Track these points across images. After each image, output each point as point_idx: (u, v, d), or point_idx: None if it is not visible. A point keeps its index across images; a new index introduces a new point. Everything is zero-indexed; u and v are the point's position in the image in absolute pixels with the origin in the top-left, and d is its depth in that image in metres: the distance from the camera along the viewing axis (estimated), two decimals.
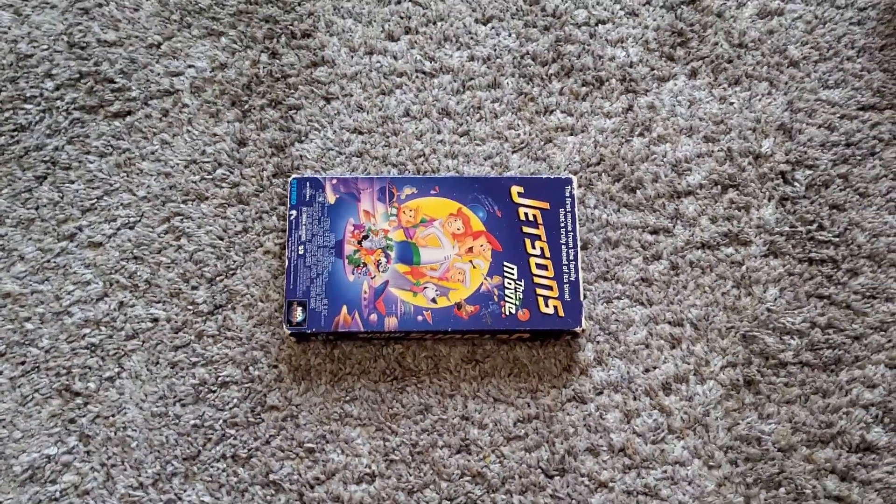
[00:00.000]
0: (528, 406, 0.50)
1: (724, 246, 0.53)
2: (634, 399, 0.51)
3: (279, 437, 0.50)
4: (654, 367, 0.51)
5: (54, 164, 0.55)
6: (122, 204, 0.54)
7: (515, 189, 0.52)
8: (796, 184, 0.54)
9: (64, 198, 0.54)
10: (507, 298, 0.49)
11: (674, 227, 0.54)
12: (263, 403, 0.51)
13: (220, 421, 0.50)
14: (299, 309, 0.48)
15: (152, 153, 0.55)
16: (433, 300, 0.49)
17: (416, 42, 0.58)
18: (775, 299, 0.52)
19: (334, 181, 0.51)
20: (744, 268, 0.53)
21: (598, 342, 0.52)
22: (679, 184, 0.55)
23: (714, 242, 0.53)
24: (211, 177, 0.55)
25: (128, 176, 0.55)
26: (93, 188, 0.55)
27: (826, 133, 0.55)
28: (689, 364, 0.51)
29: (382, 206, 0.51)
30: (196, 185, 0.54)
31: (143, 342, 0.51)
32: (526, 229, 0.51)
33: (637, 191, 0.54)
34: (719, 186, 0.54)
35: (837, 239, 0.53)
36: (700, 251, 0.53)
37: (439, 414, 0.50)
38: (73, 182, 0.55)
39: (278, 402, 0.51)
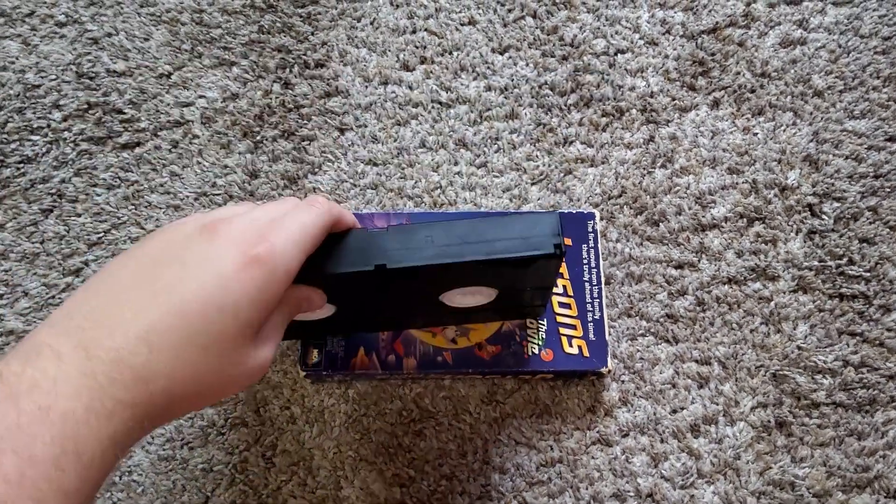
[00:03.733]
0: (551, 449, 0.48)
1: (751, 281, 0.52)
2: (662, 441, 0.49)
3: (291, 483, 0.48)
4: (682, 408, 0.49)
5: (61, 196, 0.54)
6: (129, 238, 0.53)
7: None
8: (824, 217, 0.53)
9: (70, 231, 0.53)
10: (529, 338, 0.47)
11: (699, 261, 0.52)
12: (275, 447, 0.49)
13: (230, 465, 0.48)
14: (315, 350, 0.46)
15: (161, 185, 0.54)
16: (453, 340, 0.47)
17: (431, 72, 0.56)
18: (805, 336, 0.50)
19: None
20: (772, 304, 0.51)
21: (622, 381, 0.50)
22: (703, 217, 0.53)
23: (741, 277, 0.52)
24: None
25: (136, 209, 0.53)
26: (100, 221, 0.53)
27: (853, 164, 0.54)
28: (717, 405, 0.49)
29: None
30: None
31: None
32: None
33: (660, 224, 0.53)
34: (745, 219, 0.53)
35: (868, 274, 0.51)
36: (727, 286, 0.52)
37: (458, 458, 0.48)
38: (79, 215, 0.53)
39: (290, 446, 0.49)
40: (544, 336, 0.47)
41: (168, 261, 0.31)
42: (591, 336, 0.48)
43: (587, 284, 0.49)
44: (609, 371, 0.48)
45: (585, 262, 0.49)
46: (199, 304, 0.30)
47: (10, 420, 0.26)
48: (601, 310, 0.48)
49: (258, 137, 0.55)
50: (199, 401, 0.32)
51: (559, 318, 0.48)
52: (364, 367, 0.47)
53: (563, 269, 0.49)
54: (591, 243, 0.50)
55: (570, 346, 0.47)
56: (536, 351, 0.47)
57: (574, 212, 0.50)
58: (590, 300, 0.48)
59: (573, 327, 0.48)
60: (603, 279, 0.50)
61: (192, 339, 0.30)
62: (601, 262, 0.50)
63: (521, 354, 0.47)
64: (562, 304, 0.48)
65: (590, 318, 0.48)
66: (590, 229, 0.50)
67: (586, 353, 0.47)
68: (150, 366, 0.29)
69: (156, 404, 0.29)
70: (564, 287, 0.49)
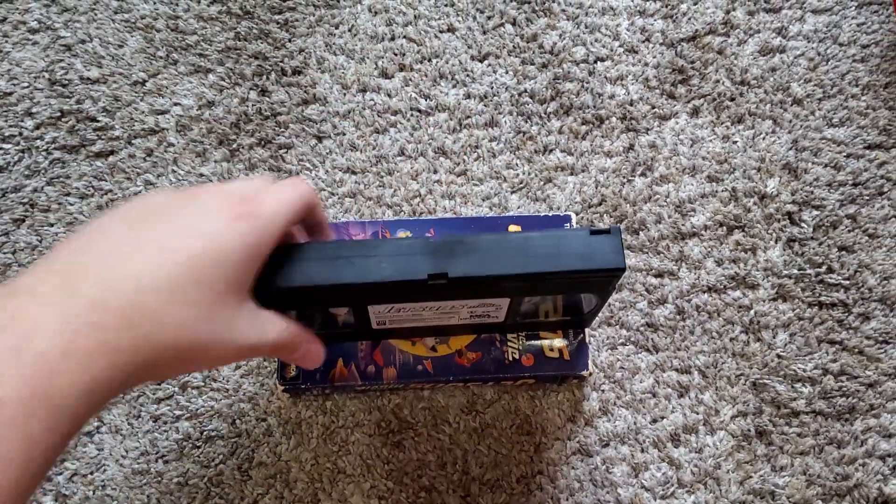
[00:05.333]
0: (532, 460, 0.48)
1: (731, 289, 0.52)
2: (642, 451, 0.48)
3: (268, 496, 0.47)
4: (662, 417, 0.49)
5: (33, 206, 0.53)
6: None
7: (513, 228, 0.50)
8: (803, 225, 0.53)
9: (43, 241, 0.52)
10: (509, 343, 0.47)
11: (679, 269, 0.52)
12: (251, 459, 0.48)
13: (206, 479, 0.47)
14: (293, 364, 0.46)
15: (136, 194, 0.53)
16: (433, 348, 0.47)
17: (410, 79, 0.56)
18: (785, 345, 0.50)
19: None
20: (752, 312, 0.51)
21: (602, 391, 0.50)
22: (683, 225, 0.53)
23: (721, 286, 0.52)
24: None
25: None
26: (73, 231, 0.52)
27: (833, 172, 0.54)
28: (697, 414, 0.49)
29: None
30: None
31: (124, 394, 0.49)
32: None
33: (640, 232, 0.53)
34: (725, 228, 0.53)
35: (848, 282, 0.51)
36: (706, 295, 0.51)
37: (437, 469, 0.48)
38: (52, 225, 0.52)
39: (267, 458, 0.48)
40: (524, 341, 0.47)
41: (155, 217, 0.31)
42: (571, 339, 0.47)
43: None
44: (590, 374, 0.47)
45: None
46: (189, 257, 0.29)
47: None
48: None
49: (234, 145, 0.54)
50: (187, 360, 0.30)
51: None
52: (343, 378, 0.46)
53: None
54: None
55: (551, 350, 0.47)
56: (517, 356, 0.47)
57: (550, 215, 0.50)
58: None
59: (553, 332, 0.47)
60: None
61: (184, 289, 0.29)
62: None
63: (502, 360, 0.47)
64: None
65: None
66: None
67: (567, 357, 0.47)
68: (136, 308, 0.28)
69: (140, 353, 0.28)
70: None
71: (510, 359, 0.47)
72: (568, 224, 0.50)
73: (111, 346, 0.27)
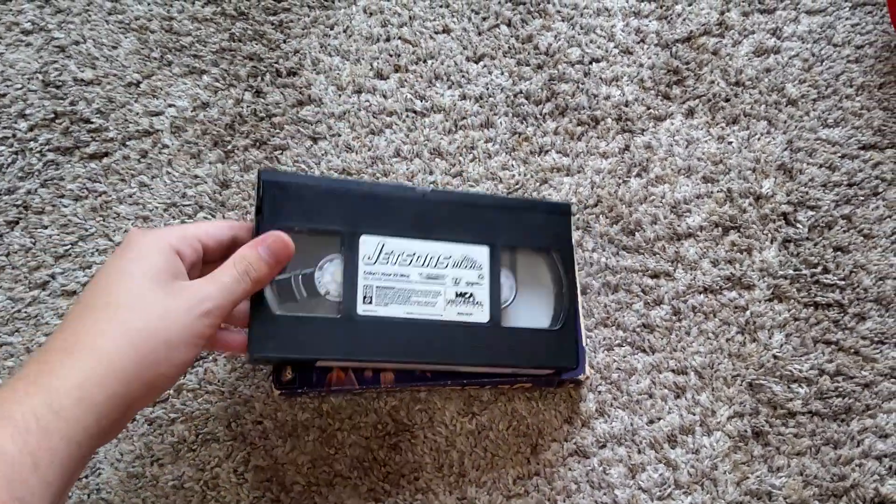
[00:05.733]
0: (528, 462, 0.48)
1: (726, 290, 0.52)
2: (639, 452, 0.48)
3: (264, 499, 0.47)
4: (659, 418, 0.49)
5: (27, 208, 0.52)
6: (97, 250, 0.52)
7: None
8: (799, 225, 0.53)
9: (36, 244, 0.52)
10: None
11: (675, 270, 0.52)
12: (247, 462, 0.48)
13: (201, 482, 0.47)
14: (289, 367, 0.45)
15: (130, 196, 0.53)
16: None
17: (406, 80, 0.56)
18: (781, 345, 0.50)
19: None
20: (748, 313, 0.51)
21: (599, 392, 0.50)
22: (679, 226, 0.53)
23: (717, 287, 0.52)
24: (192, 220, 0.52)
25: (104, 220, 0.52)
26: (67, 233, 0.52)
27: (827, 173, 0.54)
28: (694, 415, 0.49)
29: None
30: None
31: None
32: None
33: (636, 233, 0.53)
34: (720, 228, 0.53)
35: (843, 282, 0.51)
36: (702, 296, 0.51)
37: (434, 472, 0.48)
38: (46, 227, 0.52)
39: (263, 461, 0.48)
40: None
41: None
42: (579, 337, 0.47)
43: (573, 285, 0.48)
44: (587, 378, 0.47)
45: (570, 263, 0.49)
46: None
47: None
48: (577, 317, 0.48)
49: (229, 147, 0.54)
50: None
51: None
52: (340, 382, 0.46)
53: None
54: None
55: None
56: None
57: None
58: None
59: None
60: (579, 285, 0.49)
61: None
62: (576, 266, 0.49)
63: None
64: None
65: (576, 318, 0.47)
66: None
67: None
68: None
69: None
70: None
71: None
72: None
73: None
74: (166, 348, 0.35)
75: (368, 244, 0.43)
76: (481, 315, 0.44)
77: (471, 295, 0.45)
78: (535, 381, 0.47)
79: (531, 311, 0.47)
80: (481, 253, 0.45)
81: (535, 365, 0.45)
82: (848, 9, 0.58)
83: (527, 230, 0.47)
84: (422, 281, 0.44)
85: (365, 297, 0.42)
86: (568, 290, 0.46)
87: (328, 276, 0.43)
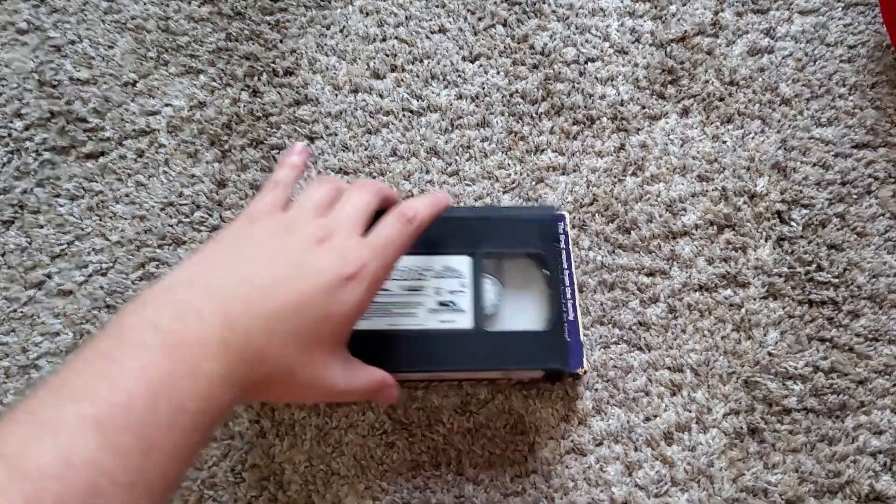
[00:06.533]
0: (525, 460, 0.48)
1: (722, 288, 0.52)
2: (635, 450, 0.49)
3: (262, 498, 0.47)
4: (655, 416, 0.49)
5: (22, 207, 0.52)
6: (94, 249, 0.52)
7: None
8: (793, 223, 0.53)
9: (32, 243, 0.52)
10: None
11: (670, 268, 0.52)
12: (245, 461, 0.48)
13: (199, 481, 0.47)
14: None
15: (126, 195, 0.53)
16: None
17: (402, 80, 0.56)
18: (776, 343, 0.51)
19: None
20: (743, 310, 0.51)
21: (596, 390, 0.50)
22: (674, 224, 0.53)
23: (712, 284, 0.52)
24: (189, 220, 0.52)
25: (100, 220, 0.52)
26: (63, 233, 0.52)
27: (821, 171, 0.54)
28: (690, 412, 0.49)
29: None
30: (173, 228, 0.52)
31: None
32: None
33: (632, 231, 0.53)
34: (715, 227, 0.53)
35: (837, 280, 0.52)
36: (698, 293, 0.52)
37: (431, 470, 0.48)
38: (42, 226, 0.52)
39: (260, 460, 0.48)
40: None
41: (283, 257, 0.36)
42: (567, 337, 0.47)
43: (560, 286, 0.48)
44: (585, 372, 0.47)
45: (558, 263, 0.49)
46: (310, 307, 0.35)
47: (165, 370, 0.29)
48: (575, 311, 0.48)
49: (226, 146, 0.54)
50: (283, 392, 0.36)
51: None
52: None
53: None
54: (563, 245, 0.50)
55: None
56: None
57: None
58: (563, 301, 0.48)
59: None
60: (576, 281, 0.50)
61: (300, 337, 0.34)
62: (573, 263, 0.49)
63: None
64: None
65: (564, 320, 0.48)
66: (561, 230, 0.50)
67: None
68: (267, 350, 0.33)
69: (257, 385, 0.34)
70: None
71: None
72: (562, 224, 0.50)
73: (246, 380, 0.33)
74: None
75: None
76: (465, 321, 0.45)
77: (453, 303, 0.46)
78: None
79: (521, 315, 0.48)
80: (462, 262, 0.47)
81: (522, 367, 0.46)
82: (841, 9, 0.58)
83: (511, 237, 0.48)
84: (402, 293, 0.46)
85: None
86: (556, 293, 0.47)
87: None
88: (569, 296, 0.48)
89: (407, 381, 0.47)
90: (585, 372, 0.48)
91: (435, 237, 0.46)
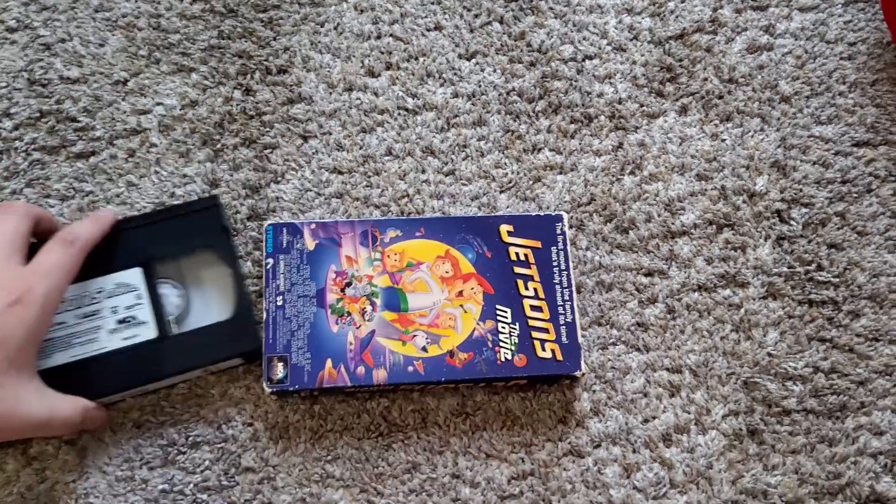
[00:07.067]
0: (523, 462, 0.47)
1: (721, 288, 0.51)
2: (634, 452, 0.48)
3: (255, 502, 0.46)
4: (654, 417, 0.49)
5: None
6: None
7: (505, 228, 0.49)
8: (793, 222, 0.53)
9: None
10: (501, 344, 0.46)
11: (669, 268, 0.52)
12: (238, 465, 0.47)
13: (191, 485, 0.47)
14: (280, 365, 0.45)
15: (118, 196, 0.52)
16: (424, 349, 0.46)
17: (397, 78, 0.55)
18: (776, 343, 0.50)
19: (313, 226, 0.48)
20: (742, 311, 0.51)
21: (594, 391, 0.49)
22: (673, 223, 0.53)
23: (711, 284, 0.51)
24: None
25: None
26: None
27: (821, 170, 0.54)
28: (689, 413, 0.49)
29: (365, 251, 0.48)
30: None
31: None
32: (518, 269, 0.48)
33: (630, 231, 0.52)
34: (714, 226, 0.53)
35: (837, 279, 0.51)
36: (697, 294, 0.51)
37: (428, 472, 0.47)
38: None
39: (254, 464, 0.47)
40: (517, 341, 0.47)
41: None
42: (564, 339, 0.47)
43: (558, 287, 0.48)
44: (583, 374, 0.47)
45: (555, 264, 0.48)
46: None
47: None
48: (573, 312, 0.48)
49: (218, 146, 0.53)
50: None
51: (531, 322, 0.47)
52: (332, 380, 0.45)
53: (533, 271, 0.48)
54: (560, 245, 0.49)
55: (543, 350, 0.47)
56: (510, 357, 0.46)
57: (542, 214, 0.50)
58: (561, 303, 0.48)
59: (545, 331, 0.47)
60: (574, 281, 0.49)
61: None
62: (571, 263, 0.49)
63: (494, 361, 0.46)
64: (533, 308, 0.47)
65: (562, 322, 0.47)
66: (558, 231, 0.49)
67: (560, 357, 0.46)
68: None
69: None
70: (535, 290, 0.48)
71: (502, 359, 0.46)
72: (559, 224, 0.50)
73: None
74: None
75: None
76: (149, 332, 0.46)
77: (133, 318, 0.46)
78: (532, 378, 0.47)
79: (212, 310, 0.48)
80: (134, 275, 0.47)
81: (217, 359, 0.46)
82: (840, 6, 0.58)
83: (177, 236, 0.48)
84: (79, 321, 0.46)
85: None
86: (236, 278, 0.48)
87: None
88: (566, 297, 0.48)
89: (404, 381, 0.46)
90: (583, 374, 0.47)
91: (106, 255, 0.47)
